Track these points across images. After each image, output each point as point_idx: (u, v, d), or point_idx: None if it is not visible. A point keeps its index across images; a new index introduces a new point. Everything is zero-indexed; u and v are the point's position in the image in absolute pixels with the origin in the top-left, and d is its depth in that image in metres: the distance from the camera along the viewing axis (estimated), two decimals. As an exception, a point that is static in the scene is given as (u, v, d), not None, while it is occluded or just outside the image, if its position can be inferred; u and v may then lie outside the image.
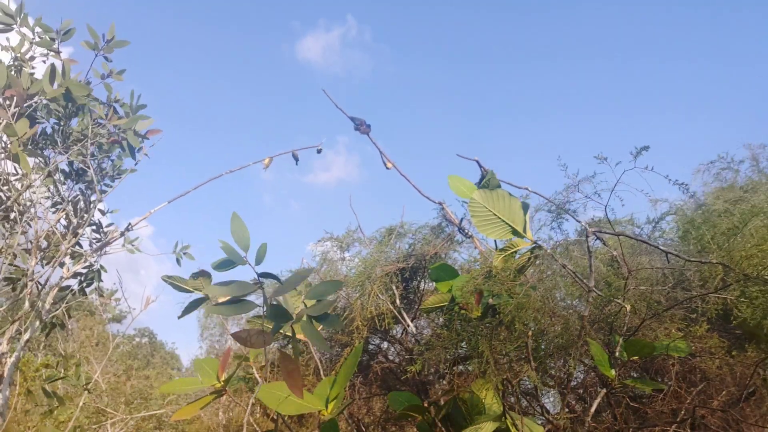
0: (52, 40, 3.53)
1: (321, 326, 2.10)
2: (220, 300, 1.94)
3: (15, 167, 3.36)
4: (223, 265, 1.93)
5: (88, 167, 3.45)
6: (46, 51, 3.57)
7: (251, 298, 2.01)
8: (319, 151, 3.71)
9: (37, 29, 3.52)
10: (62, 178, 3.70)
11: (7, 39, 3.54)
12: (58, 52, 3.54)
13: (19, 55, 3.47)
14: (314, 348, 3.65)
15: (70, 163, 3.63)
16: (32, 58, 3.56)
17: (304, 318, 2.01)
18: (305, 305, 2.08)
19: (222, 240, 1.88)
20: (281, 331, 3.25)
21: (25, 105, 3.32)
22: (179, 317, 1.96)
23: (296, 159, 3.63)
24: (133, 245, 3.79)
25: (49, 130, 3.65)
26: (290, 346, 4.12)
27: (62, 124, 3.53)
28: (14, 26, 3.45)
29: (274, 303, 1.97)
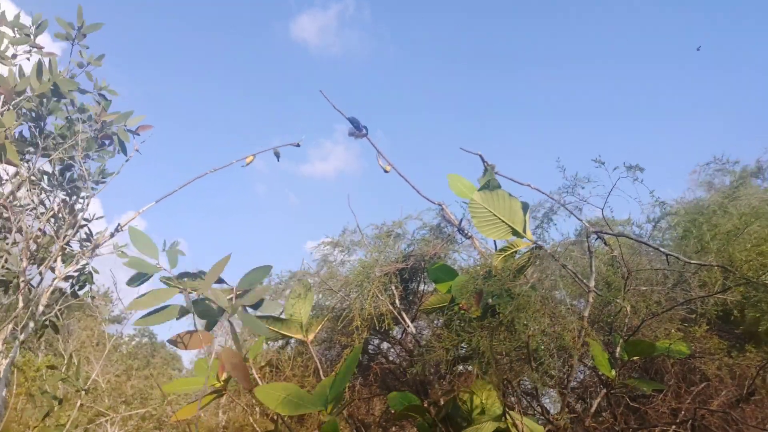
0: (27, 36, 3.48)
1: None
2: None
3: (2, 169, 3.36)
4: (136, 279, 1.92)
5: (69, 169, 3.41)
6: (28, 47, 3.53)
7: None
8: (298, 146, 3.65)
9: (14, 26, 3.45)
10: (46, 183, 3.66)
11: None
12: (40, 48, 3.50)
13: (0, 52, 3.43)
14: (314, 349, 3.65)
15: (53, 166, 3.58)
16: (14, 56, 3.52)
17: (239, 309, 2.00)
18: (236, 296, 2.07)
19: (129, 256, 1.87)
20: (280, 331, 3.24)
21: (12, 103, 3.31)
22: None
23: (277, 156, 3.58)
24: (123, 251, 3.76)
25: (26, 133, 3.63)
26: (288, 345, 4.12)
27: (38, 124, 3.50)
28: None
29: (199, 300, 1.96)
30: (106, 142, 3.75)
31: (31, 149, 3.54)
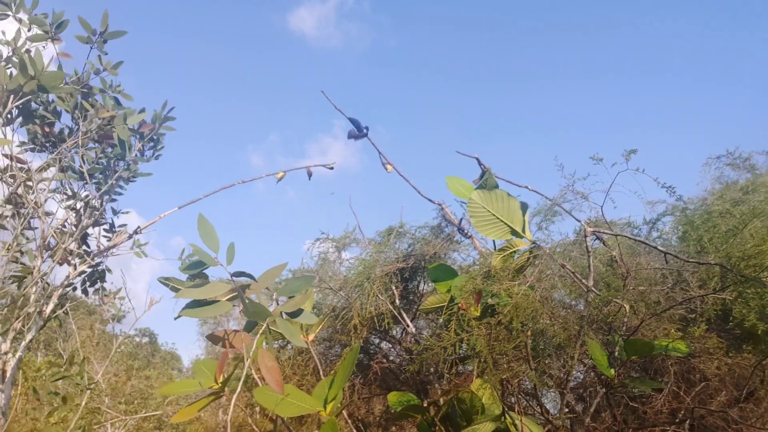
0: (46, 33, 3.39)
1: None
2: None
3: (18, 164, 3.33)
4: (194, 267, 1.94)
5: (98, 165, 3.39)
6: (43, 44, 3.42)
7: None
8: (331, 168, 3.73)
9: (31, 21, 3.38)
10: (75, 175, 3.64)
11: (3, 32, 3.39)
12: (54, 40, 3.39)
13: (15, 48, 3.34)
14: (313, 348, 3.65)
15: (81, 163, 3.56)
16: (28, 51, 3.40)
17: (278, 315, 2.02)
18: (277, 303, 2.09)
19: (192, 243, 1.89)
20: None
21: (23, 101, 3.25)
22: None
23: (309, 175, 3.65)
24: (141, 249, 3.75)
25: (65, 131, 3.61)
26: (288, 344, 4.12)
27: (77, 118, 3.46)
28: (9, 14, 3.32)
29: (251, 300, 1.97)
30: (106, 142, 3.70)
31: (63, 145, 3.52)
